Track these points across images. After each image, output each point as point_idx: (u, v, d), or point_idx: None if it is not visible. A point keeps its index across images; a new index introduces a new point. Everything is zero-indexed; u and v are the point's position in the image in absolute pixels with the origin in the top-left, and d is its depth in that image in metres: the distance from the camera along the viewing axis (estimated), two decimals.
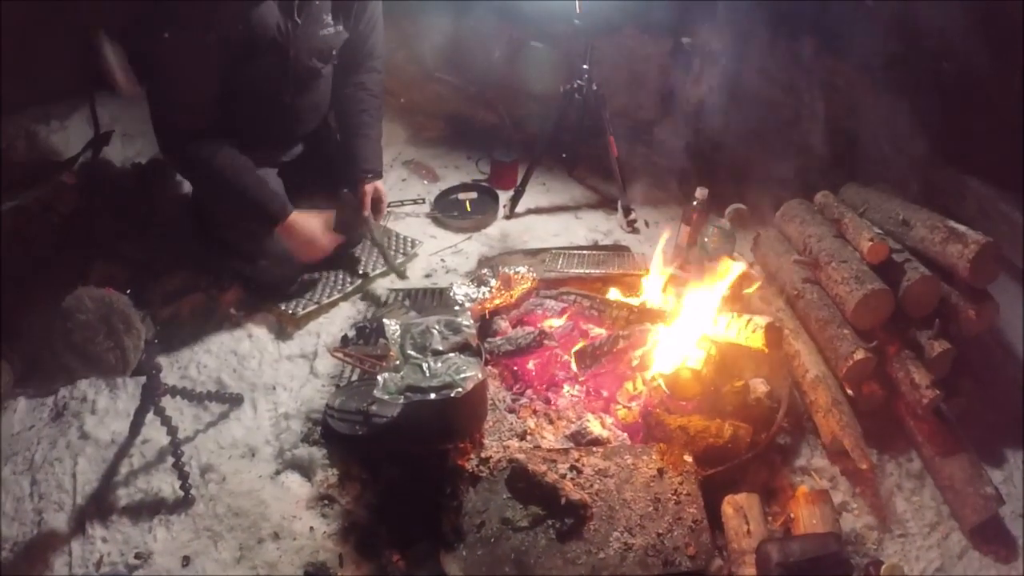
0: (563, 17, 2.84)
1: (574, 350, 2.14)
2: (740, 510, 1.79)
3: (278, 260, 2.34)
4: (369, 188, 2.45)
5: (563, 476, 1.79)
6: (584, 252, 2.71)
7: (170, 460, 1.84)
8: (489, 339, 2.18)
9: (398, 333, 2.02)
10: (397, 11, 2.15)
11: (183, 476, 1.82)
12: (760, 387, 2.07)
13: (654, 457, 1.86)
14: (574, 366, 2.11)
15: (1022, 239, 2.64)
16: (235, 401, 2.09)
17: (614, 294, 2.40)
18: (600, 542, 1.68)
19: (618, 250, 2.78)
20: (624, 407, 2.06)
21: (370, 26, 2.40)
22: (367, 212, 2.44)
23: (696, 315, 2.20)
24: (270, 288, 2.41)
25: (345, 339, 2.30)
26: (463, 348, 1.98)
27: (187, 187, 2.73)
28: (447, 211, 2.99)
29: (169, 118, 2.13)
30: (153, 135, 2.25)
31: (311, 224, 2.31)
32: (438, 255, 2.77)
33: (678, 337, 2.15)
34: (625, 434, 1.99)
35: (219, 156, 2.11)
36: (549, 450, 1.88)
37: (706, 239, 2.60)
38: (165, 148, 2.27)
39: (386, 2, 2.42)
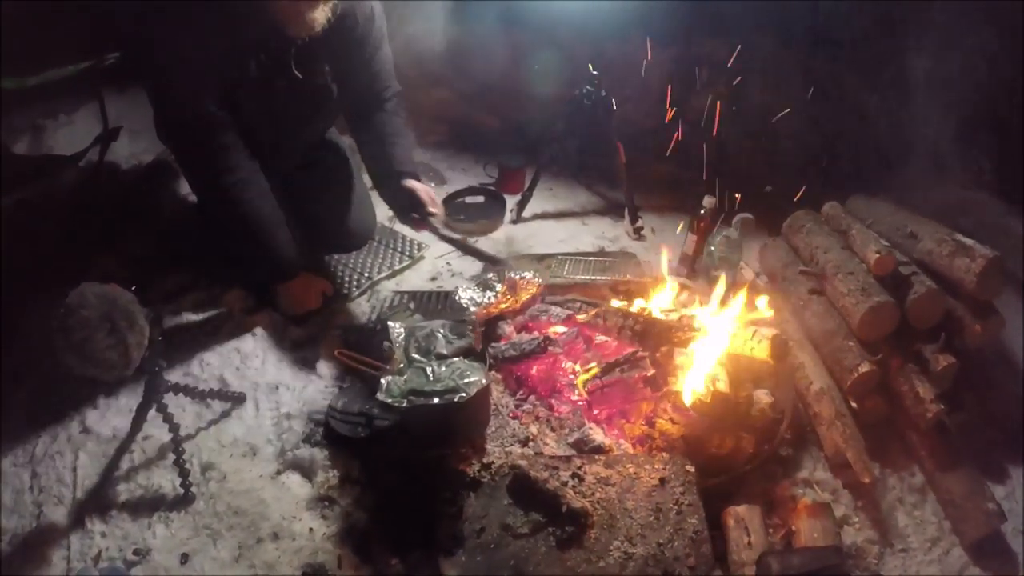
0: (569, 21, 2.83)
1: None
2: (741, 521, 1.79)
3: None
4: (416, 185, 2.34)
5: (565, 483, 1.78)
6: (590, 259, 2.71)
7: (171, 457, 1.83)
8: (493, 344, 2.18)
9: (402, 336, 2.02)
10: (399, 15, 2.13)
11: (184, 473, 1.82)
12: (764, 398, 2.06)
13: (656, 466, 1.85)
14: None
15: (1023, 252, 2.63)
16: (237, 400, 2.08)
17: (619, 303, 2.39)
18: (600, 551, 1.68)
19: (624, 257, 2.78)
20: (633, 424, 2.03)
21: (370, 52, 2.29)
22: (433, 209, 2.33)
23: (715, 330, 2.15)
24: (271, 286, 2.40)
25: (349, 340, 2.29)
26: (467, 352, 1.99)
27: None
28: (454, 214, 2.99)
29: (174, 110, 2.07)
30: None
31: (305, 285, 2.37)
32: (444, 258, 2.77)
33: (703, 357, 2.09)
34: (628, 443, 1.98)
35: (247, 195, 2.13)
36: (551, 457, 1.88)
37: (713, 248, 2.60)
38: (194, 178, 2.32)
39: (387, 2, 2.35)
